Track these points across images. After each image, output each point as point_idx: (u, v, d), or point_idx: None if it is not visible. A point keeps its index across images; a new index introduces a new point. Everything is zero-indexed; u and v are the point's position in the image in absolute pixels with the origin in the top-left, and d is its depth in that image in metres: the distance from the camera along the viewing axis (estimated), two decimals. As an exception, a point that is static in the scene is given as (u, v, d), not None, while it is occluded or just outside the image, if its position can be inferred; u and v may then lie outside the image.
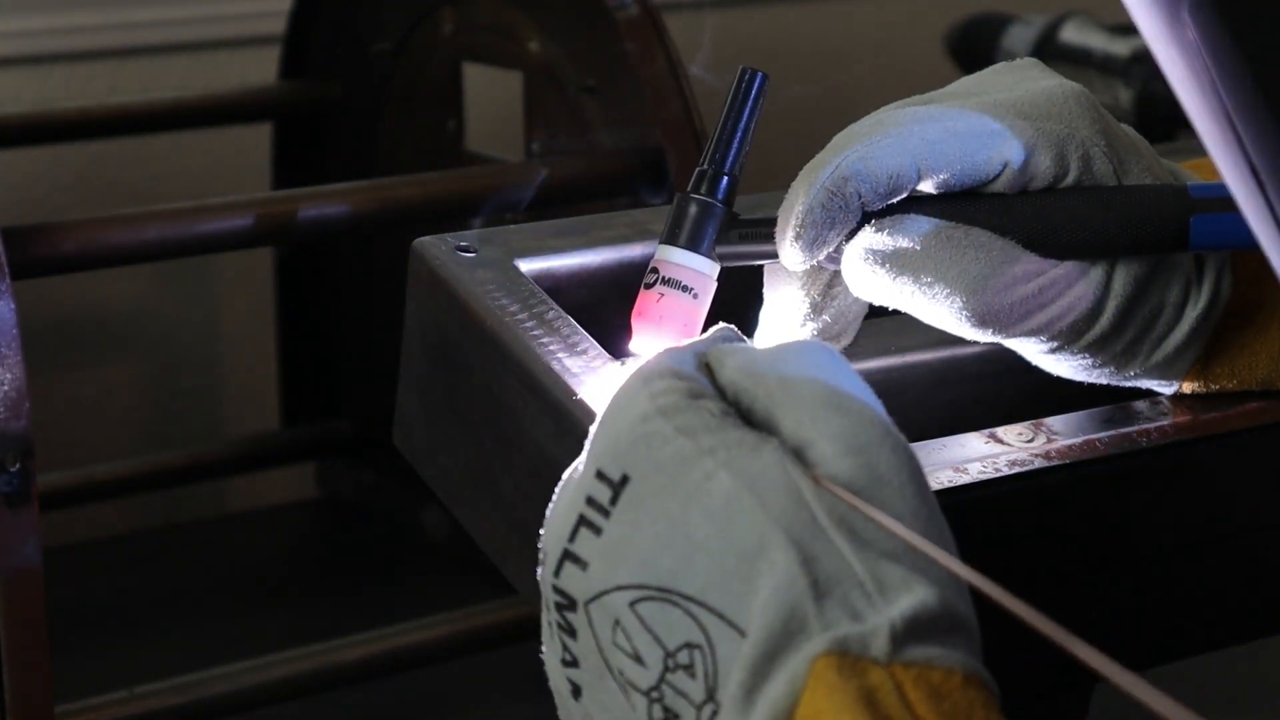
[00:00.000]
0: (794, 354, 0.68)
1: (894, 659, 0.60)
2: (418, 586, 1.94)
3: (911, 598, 0.61)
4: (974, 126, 0.76)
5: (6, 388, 1.29)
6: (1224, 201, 0.76)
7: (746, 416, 0.67)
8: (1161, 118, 2.04)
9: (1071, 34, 2.14)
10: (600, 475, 0.66)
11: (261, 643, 1.62)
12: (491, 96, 1.96)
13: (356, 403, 2.08)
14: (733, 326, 0.74)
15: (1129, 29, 2.13)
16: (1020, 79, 0.80)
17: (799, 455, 0.65)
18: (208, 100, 2.02)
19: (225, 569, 2.02)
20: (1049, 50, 2.13)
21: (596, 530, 0.65)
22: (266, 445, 2.10)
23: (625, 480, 0.65)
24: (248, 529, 2.11)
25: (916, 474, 0.65)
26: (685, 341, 0.72)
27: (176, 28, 2.09)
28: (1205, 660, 1.02)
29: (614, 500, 0.65)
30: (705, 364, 0.69)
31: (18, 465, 1.28)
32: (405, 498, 2.00)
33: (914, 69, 2.43)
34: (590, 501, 0.66)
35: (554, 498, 0.69)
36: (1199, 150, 0.87)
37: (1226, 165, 0.55)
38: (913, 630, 0.61)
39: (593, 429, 0.69)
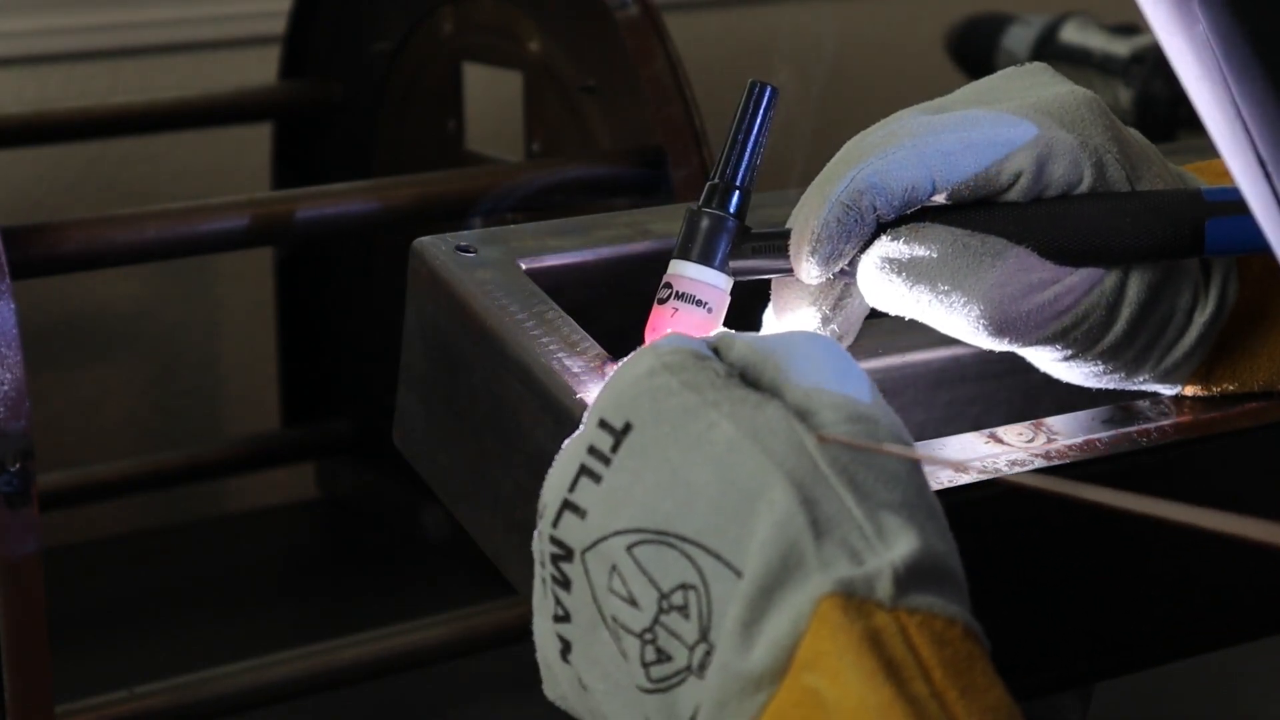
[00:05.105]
0: (801, 341, 0.69)
1: (899, 603, 0.61)
2: (418, 586, 1.94)
3: (909, 544, 0.62)
4: (989, 136, 0.76)
5: (6, 388, 1.29)
6: (1238, 205, 0.76)
7: (752, 386, 0.68)
8: (1161, 118, 2.04)
9: (1071, 34, 2.14)
10: (603, 424, 0.67)
11: (261, 643, 1.62)
12: (491, 96, 1.96)
13: (356, 403, 2.08)
14: (731, 331, 0.74)
15: (1129, 29, 2.13)
16: (1030, 85, 0.80)
17: (801, 420, 0.66)
18: (208, 100, 2.02)
19: (225, 569, 2.02)
20: (1049, 50, 2.13)
21: (597, 478, 0.66)
22: (266, 445, 2.10)
23: (628, 428, 0.66)
24: (248, 529, 2.11)
25: (911, 447, 0.67)
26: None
27: (176, 28, 2.09)
28: (1205, 660, 1.02)
29: (615, 448, 0.66)
30: (713, 349, 0.70)
31: (18, 465, 1.28)
32: (405, 498, 2.00)
33: (914, 69, 2.43)
34: (591, 450, 0.67)
35: (556, 457, 0.69)
36: (1200, 151, 0.87)
37: (1234, 159, 0.55)
38: (914, 576, 0.62)
39: (593, 400, 0.69)
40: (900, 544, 0.62)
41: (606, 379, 0.70)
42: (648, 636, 0.64)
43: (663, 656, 0.64)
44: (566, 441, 0.69)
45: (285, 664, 1.56)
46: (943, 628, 0.61)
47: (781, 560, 0.62)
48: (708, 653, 0.63)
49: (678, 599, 0.64)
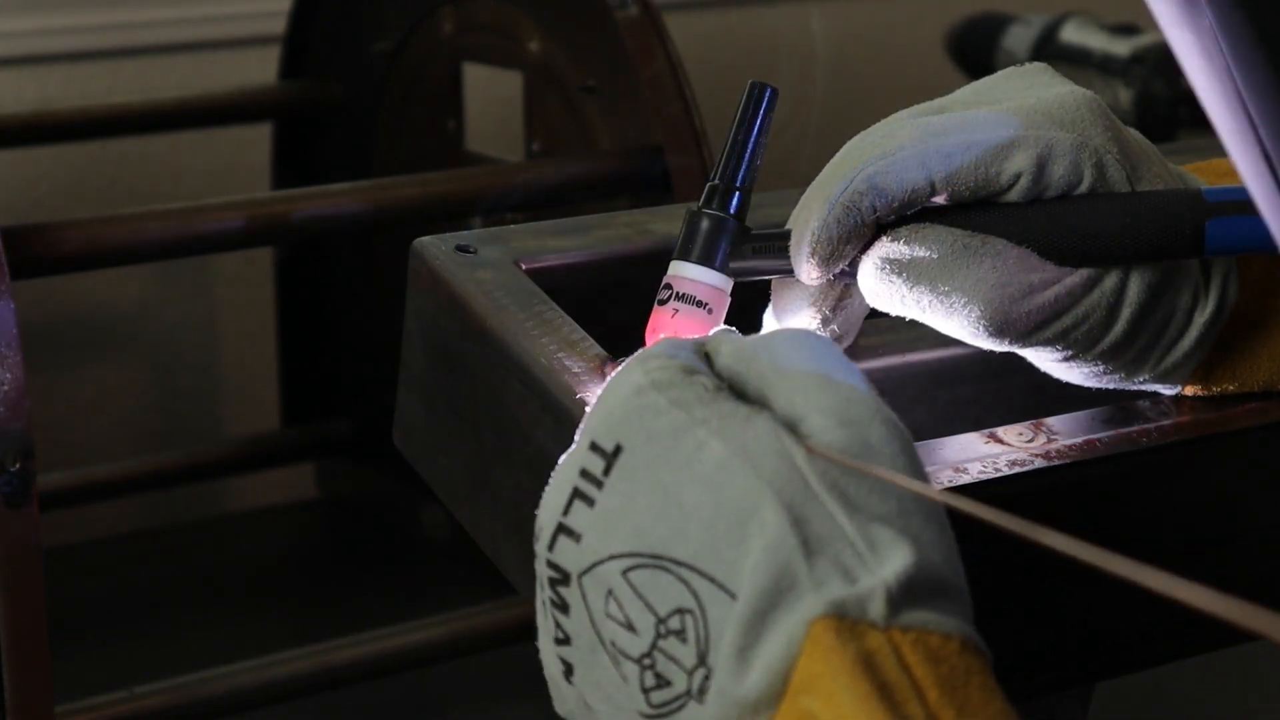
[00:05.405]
0: (786, 340, 0.68)
1: (892, 622, 0.61)
2: (418, 586, 1.94)
3: (903, 558, 0.62)
4: (989, 136, 0.76)
5: (6, 388, 1.29)
6: (1238, 205, 0.76)
7: (740, 397, 0.67)
8: (1161, 118, 2.04)
9: (1071, 34, 2.14)
10: (594, 447, 0.66)
11: (261, 643, 1.62)
12: (491, 96, 1.96)
13: (356, 403, 2.08)
14: (734, 329, 0.74)
15: (1129, 29, 2.13)
16: (1030, 85, 0.80)
17: (791, 429, 0.65)
18: (208, 100, 2.02)
19: (225, 569, 2.02)
20: (1049, 50, 2.13)
21: (590, 502, 0.66)
22: (266, 445, 2.10)
23: (618, 451, 0.66)
24: (248, 529, 2.11)
25: (907, 446, 0.66)
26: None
27: (176, 28, 2.09)
28: (1205, 660, 1.02)
29: (607, 471, 0.66)
30: (704, 353, 0.69)
31: (18, 465, 1.28)
32: (405, 498, 2.00)
33: (914, 69, 2.43)
34: (584, 473, 0.66)
35: (551, 478, 0.69)
36: (1200, 151, 0.87)
37: (1239, 152, 0.55)
38: (908, 593, 0.61)
39: (589, 408, 0.69)
40: (894, 559, 0.62)
41: (597, 395, 0.69)
42: (646, 662, 0.64)
43: (662, 682, 0.64)
44: (561, 459, 0.69)
45: (285, 664, 1.56)
46: (938, 644, 0.61)
47: (774, 583, 0.62)
48: (707, 677, 0.63)
49: (675, 623, 0.63)
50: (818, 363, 0.67)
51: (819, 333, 0.80)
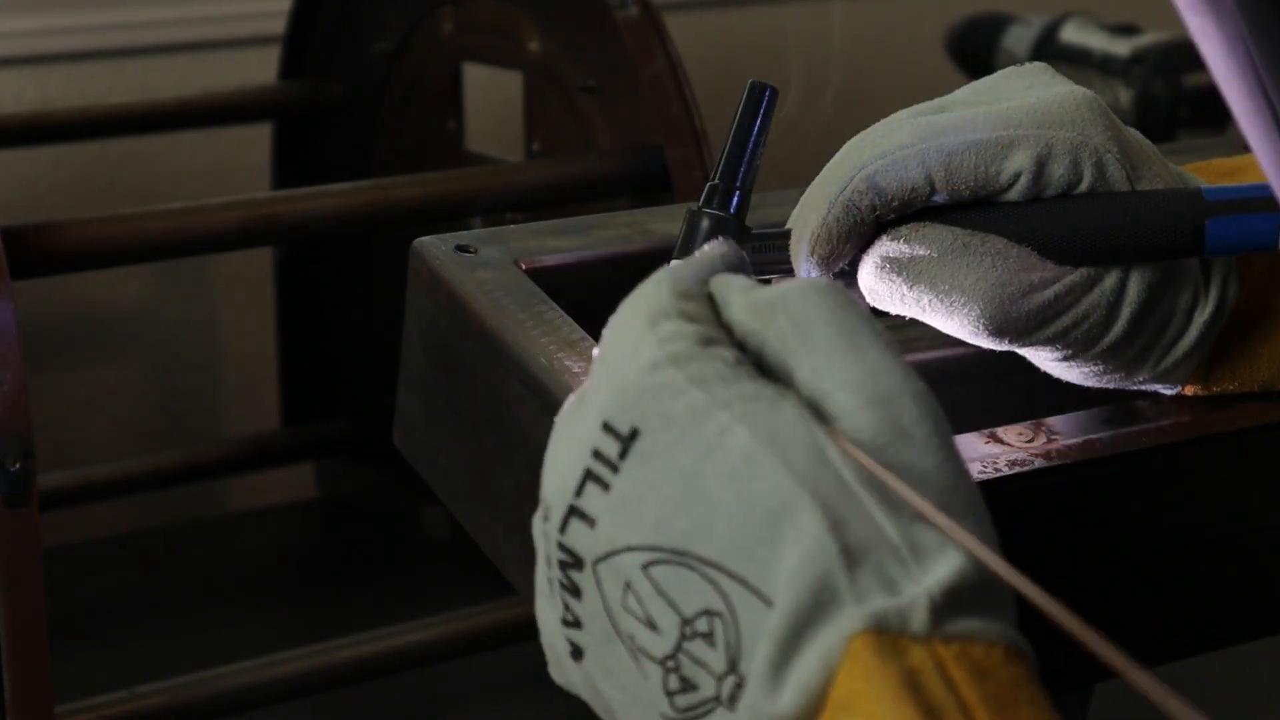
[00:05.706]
0: (804, 296, 0.64)
1: (934, 634, 0.58)
2: (418, 586, 1.94)
3: (948, 565, 0.59)
4: (988, 136, 0.76)
5: (6, 388, 1.29)
6: (1239, 204, 0.76)
7: (757, 360, 0.64)
8: (1161, 118, 2.04)
9: (1071, 34, 2.14)
10: (607, 427, 0.63)
11: (261, 643, 1.62)
12: (491, 96, 1.96)
13: (356, 403, 2.08)
14: (732, 242, 0.69)
15: (1129, 29, 2.13)
16: (1030, 84, 0.79)
17: (817, 407, 0.62)
18: (208, 100, 2.02)
19: (225, 569, 2.03)
20: (1049, 50, 2.13)
21: (604, 486, 0.62)
22: (266, 445, 2.10)
23: (635, 434, 0.62)
24: (248, 529, 2.12)
25: (940, 423, 0.62)
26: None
27: (176, 28, 2.09)
28: (1205, 660, 1.02)
29: (623, 455, 0.62)
30: (708, 295, 0.65)
31: (18, 465, 1.28)
32: (405, 498, 2.00)
33: (914, 69, 2.43)
34: (597, 455, 0.63)
35: (553, 433, 0.66)
36: (1200, 151, 0.87)
37: (1259, 138, 0.54)
38: (952, 601, 0.58)
39: (594, 364, 0.65)
40: (938, 567, 0.59)
41: (603, 342, 0.65)
42: (670, 664, 0.61)
43: (688, 685, 0.61)
44: (559, 417, 0.66)
45: (285, 664, 1.56)
46: (982, 655, 0.58)
47: (814, 596, 0.58)
48: (738, 685, 0.59)
49: (702, 625, 0.60)
50: (840, 324, 0.63)
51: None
